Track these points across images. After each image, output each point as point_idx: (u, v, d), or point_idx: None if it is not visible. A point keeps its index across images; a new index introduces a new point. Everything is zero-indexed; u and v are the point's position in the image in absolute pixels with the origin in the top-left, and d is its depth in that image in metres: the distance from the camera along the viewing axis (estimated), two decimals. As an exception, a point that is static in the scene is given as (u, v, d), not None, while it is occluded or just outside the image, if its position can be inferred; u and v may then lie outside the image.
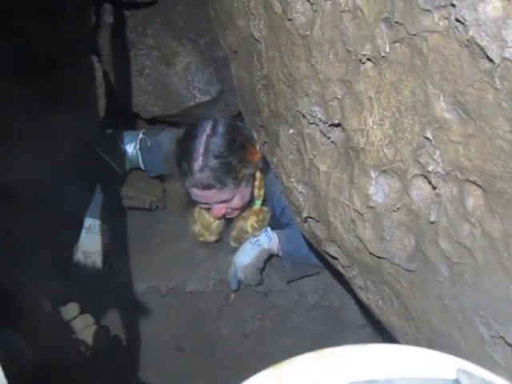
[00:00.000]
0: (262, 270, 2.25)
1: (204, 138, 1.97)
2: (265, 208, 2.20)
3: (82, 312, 1.68)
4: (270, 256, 2.24)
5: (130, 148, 2.34)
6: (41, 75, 2.14)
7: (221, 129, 2.00)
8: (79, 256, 2.19)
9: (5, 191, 1.96)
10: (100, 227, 2.21)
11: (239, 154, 1.99)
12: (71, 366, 1.49)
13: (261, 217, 2.19)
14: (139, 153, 2.34)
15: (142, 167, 2.39)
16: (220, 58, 2.56)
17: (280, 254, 2.22)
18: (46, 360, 1.41)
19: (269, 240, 2.20)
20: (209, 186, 1.97)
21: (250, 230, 2.19)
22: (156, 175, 2.47)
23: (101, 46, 2.61)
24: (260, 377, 0.56)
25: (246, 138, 2.03)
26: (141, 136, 2.31)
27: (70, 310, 1.66)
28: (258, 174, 2.10)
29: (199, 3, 2.60)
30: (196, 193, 2.04)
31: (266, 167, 2.10)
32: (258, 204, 2.18)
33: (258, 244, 2.20)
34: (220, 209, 2.08)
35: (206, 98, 2.64)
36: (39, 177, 2.04)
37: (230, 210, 2.13)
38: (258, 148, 2.04)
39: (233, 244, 2.26)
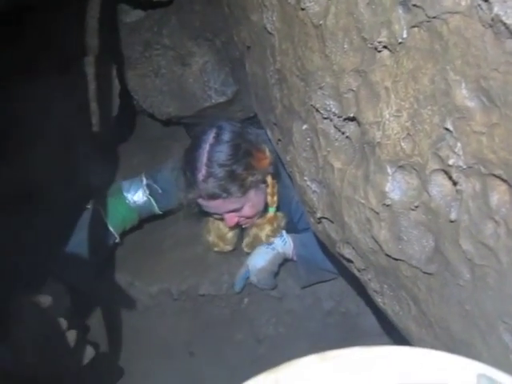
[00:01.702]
0: (276, 274, 2.20)
1: (207, 147, 1.91)
2: (279, 214, 2.14)
3: (70, 328, 1.66)
4: (285, 260, 2.19)
5: (139, 197, 2.20)
6: (55, 74, 2.13)
7: (224, 136, 1.94)
8: None
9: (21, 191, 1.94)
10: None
11: (244, 162, 1.92)
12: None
13: (275, 225, 2.13)
14: (151, 198, 2.21)
15: (158, 210, 2.26)
16: (236, 59, 2.52)
17: (294, 258, 2.16)
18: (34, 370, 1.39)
19: (283, 244, 2.15)
20: (213, 196, 1.92)
21: (263, 238, 2.14)
22: (173, 208, 2.27)
23: (117, 45, 2.59)
24: (256, 381, 0.51)
25: (252, 144, 1.97)
26: (145, 182, 2.19)
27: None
28: (269, 180, 2.04)
29: (215, 3, 2.56)
30: (202, 203, 1.99)
31: (280, 173, 2.06)
32: (271, 211, 2.12)
33: (272, 248, 2.14)
34: (232, 218, 2.03)
35: (221, 99, 2.60)
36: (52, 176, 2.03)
37: (243, 219, 2.07)
38: (267, 153, 1.99)
39: (246, 250, 2.21)
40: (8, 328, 1.54)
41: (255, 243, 2.17)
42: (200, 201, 1.98)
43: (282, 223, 2.16)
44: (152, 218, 2.35)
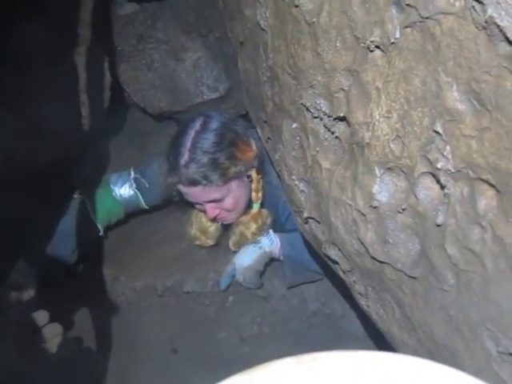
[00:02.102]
0: (262, 273, 2.18)
1: (193, 133, 1.91)
2: (264, 211, 2.12)
3: (52, 320, 1.63)
4: (271, 260, 2.17)
5: (126, 190, 2.19)
6: (46, 64, 2.11)
7: (211, 125, 1.94)
8: None
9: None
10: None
11: (228, 151, 1.91)
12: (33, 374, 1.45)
13: (260, 222, 2.11)
14: (138, 192, 2.20)
15: (144, 205, 2.25)
16: (229, 55, 2.50)
17: (281, 258, 2.15)
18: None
19: (270, 243, 2.12)
20: (194, 182, 1.90)
21: (249, 235, 2.11)
22: (159, 203, 2.31)
23: (110, 38, 2.57)
24: (228, 381, 0.50)
25: (239, 136, 1.96)
26: (133, 175, 2.18)
27: (40, 317, 1.62)
28: (254, 175, 2.02)
29: (211, -2, 2.55)
30: (182, 190, 1.97)
31: (267, 170, 2.04)
32: (255, 207, 2.10)
33: (259, 246, 2.12)
34: (212, 209, 2.01)
35: (214, 95, 2.59)
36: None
37: (224, 212, 2.05)
38: (252, 146, 1.98)
39: (233, 248, 2.19)
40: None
41: (242, 242, 2.15)
42: (180, 187, 1.96)
43: (268, 220, 2.13)
44: (139, 212, 2.33)
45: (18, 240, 1.90)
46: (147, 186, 2.19)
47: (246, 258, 2.11)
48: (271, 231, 2.15)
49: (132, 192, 2.20)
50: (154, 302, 2.21)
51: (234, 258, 2.15)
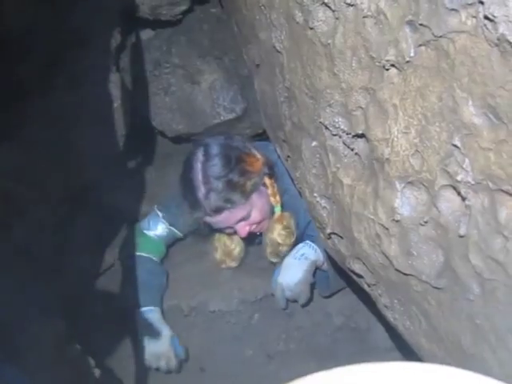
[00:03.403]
0: (313, 284, 2.15)
1: (199, 165, 1.96)
2: (285, 213, 2.13)
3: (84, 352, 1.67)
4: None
5: (161, 231, 2.27)
6: (64, 91, 2.16)
7: (212, 151, 1.99)
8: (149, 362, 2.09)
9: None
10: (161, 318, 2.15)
11: (238, 168, 1.96)
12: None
13: (285, 223, 2.12)
14: (172, 228, 2.27)
15: (181, 235, 2.32)
16: (245, 76, 2.55)
17: (325, 265, 2.10)
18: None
19: (314, 251, 2.09)
20: (219, 210, 1.95)
21: (279, 239, 2.11)
22: (193, 228, 2.32)
23: (126, 64, 2.63)
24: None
25: (241, 151, 2.02)
26: (161, 215, 2.25)
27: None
28: (267, 181, 2.06)
29: (224, 22, 2.60)
30: (211, 221, 2.02)
31: (279, 175, 2.08)
32: (277, 210, 2.12)
33: (304, 257, 2.08)
34: (243, 228, 2.05)
35: (230, 116, 2.63)
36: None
37: (254, 226, 2.08)
38: (257, 155, 2.03)
39: (273, 260, 2.19)
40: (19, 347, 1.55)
41: (276, 249, 2.15)
42: (207, 219, 2.01)
43: (291, 221, 2.13)
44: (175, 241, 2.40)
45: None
46: (177, 219, 2.24)
47: (294, 274, 2.06)
48: (308, 241, 2.13)
49: (167, 230, 2.27)
50: (180, 321, 2.23)
51: (279, 278, 2.09)
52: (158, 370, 2.09)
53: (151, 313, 2.12)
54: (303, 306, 2.17)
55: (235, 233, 2.11)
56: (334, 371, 0.55)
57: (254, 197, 2.01)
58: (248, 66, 1.89)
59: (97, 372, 1.65)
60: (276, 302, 2.14)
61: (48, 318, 1.70)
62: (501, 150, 0.79)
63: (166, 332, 2.10)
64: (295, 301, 2.14)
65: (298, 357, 2.19)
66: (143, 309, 2.12)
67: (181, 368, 2.15)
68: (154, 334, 2.08)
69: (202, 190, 1.93)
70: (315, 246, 2.10)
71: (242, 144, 2.06)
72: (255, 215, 2.04)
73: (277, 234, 2.11)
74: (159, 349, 2.07)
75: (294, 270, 2.07)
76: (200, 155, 1.99)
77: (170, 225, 2.26)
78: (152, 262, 2.24)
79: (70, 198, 2.12)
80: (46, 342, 1.60)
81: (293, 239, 2.13)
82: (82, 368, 1.65)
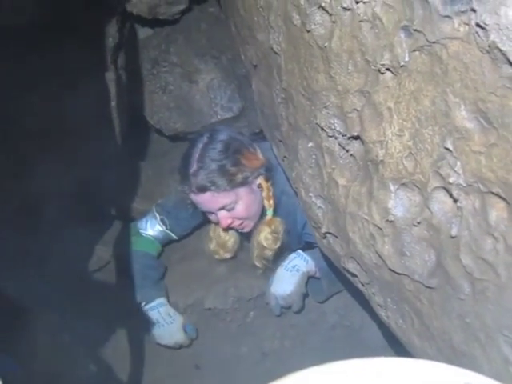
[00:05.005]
0: (306, 295, 2.21)
1: (201, 145, 2.02)
2: (277, 219, 2.15)
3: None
4: (308, 279, 2.19)
5: (157, 232, 2.32)
6: (63, 90, 2.18)
7: (218, 136, 2.04)
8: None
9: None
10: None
11: (234, 158, 2.00)
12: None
13: (273, 227, 2.13)
14: (168, 231, 2.32)
15: (176, 237, 2.37)
16: (242, 75, 2.57)
17: (317, 273, 2.17)
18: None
19: (306, 263, 2.15)
20: (203, 189, 1.98)
21: (265, 242, 2.13)
22: (187, 233, 2.43)
23: (124, 62, 2.64)
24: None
25: (244, 145, 2.06)
26: (159, 217, 2.30)
27: None
28: (264, 184, 2.08)
29: (222, 22, 2.61)
30: (194, 199, 2.05)
31: (277, 179, 2.09)
32: (269, 214, 2.14)
33: (296, 269, 2.15)
34: (225, 218, 2.07)
35: (228, 115, 2.65)
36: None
37: (238, 222, 2.10)
38: (258, 155, 2.07)
39: (258, 264, 2.20)
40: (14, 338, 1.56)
41: (261, 253, 2.17)
42: (192, 196, 2.05)
43: (281, 228, 2.15)
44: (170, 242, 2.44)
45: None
46: (174, 222, 2.31)
47: (286, 286, 2.13)
48: (300, 251, 2.18)
49: (163, 232, 2.32)
50: (176, 319, 2.25)
51: (271, 288, 2.16)
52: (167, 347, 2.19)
53: (160, 306, 2.18)
54: (296, 313, 2.22)
55: (218, 223, 2.13)
56: (324, 366, 0.56)
57: (243, 191, 2.04)
58: (245, 67, 1.90)
59: (87, 361, 1.66)
60: (271, 310, 2.20)
61: (40, 308, 1.72)
62: (491, 153, 0.81)
63: (176, 316, 2.19)
64: (289, 307, 2.20)
65: (293, 355, 2.21)
66: (151, 304, 2.18)
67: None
68: (166, 321, 2.16)
69: (193, 166, 1.99)
70: (307, 257, 2.16)
71: (248, 141, 2.10)
72: (240, 209, 2.06)
73: (263, 236, 2.13)
74: (172, 329, 2.16)
75: (286, 281, 2.14)
76: (205, 137, 2.05)
77: (167, 228, 2.31)
78: (149, 256, 2.29)
79: (68, 195, 2.14)
80: (38, 331, 1.62)
81: (278, 245, 2.15)
82: (73, 357, 1.66)
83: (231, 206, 2.04)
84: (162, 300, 2.20)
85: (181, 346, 2.20)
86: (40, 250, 1.99)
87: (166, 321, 2.15)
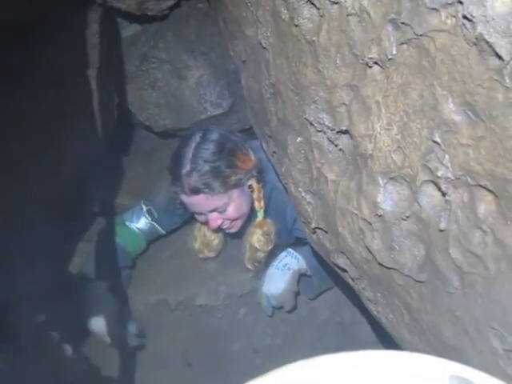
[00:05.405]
0: (297, 293, 2.20)
1: (194, 145, 1.98)
2: (268, 220, 2.15)
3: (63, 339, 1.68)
4: (300, 277, 2.19)
5: (143, 224, 2.28)
6: (52, 88, 2.16)
7: (211, 136, 2.00)
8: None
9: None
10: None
11: (228, 160, 1.97)
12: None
13: (265, 229, 2.13)
14: (154, 223, 2.29)
15: (163, 232, 2.35)
16: (232, 72, 2.56)
17: (308, 271, 2.17)
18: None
19: (297, 261, 2.15)
20: (196, 191, 1.95)
21: (257, 244, 2.13)
22: (176, 226, 2.40)
23: (113, 59, 2.62)
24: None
25: (237, 146, 2.03)
26: (145, 209, 2.27)
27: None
28: (255, 185, 2.07)
29: (211, 17, 2.60)
30: (185, 200, 2.02)
31: (268, 179, 2.09)
32: (260, 215, 2.14)
33: (287, 268, 2.14)
34: (215, 219, 2.05)
35: (217, 111, 2.65)
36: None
37: (227, 222, 2.09)
38: (251, 156, 2.04)
39: (249, 267, 2.20)
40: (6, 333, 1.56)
41: (254, 255, 2.17)
42: (183, 197, 2.01)
43: (272, 229, 2.15)
44: (159, 238, 2.41)
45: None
46: (161, 215, 2.27)
47: (277, 285, 2.12)
48: (290, 249, 2.17)
49: (149, 224, 2.28)
50: (167, 316, 2.25)
51: (263, 288, 2.15)
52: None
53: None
54: (289, 312, 2.21)
55: (206, 223, 2.12)
56: (312, 360, 0.56)
57: (235, 193, 2.02)
58: (234, 62, 1.89)
59: (75, 360, 1.66)
60: (263, 310, 2.19)
61: (27, 307, 1.71)
62: (479, 146, 0.81)
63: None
64: (281, 307, 2.19)
65: (284, 351, 2.21)
66: (99, 282, 2.11)
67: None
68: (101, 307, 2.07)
69: (186, 167, 1.94)
70: (298, 255, 2.15)
71: (241, 141, 2.07)
72: (231, 211, 2.04)
73: (256, 238, 2.13)
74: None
75: (277, 280, 2.12)
76: (198, 136, 2.00)
77: (153, 220, 2.28)
78: (124, 252, 2.25)
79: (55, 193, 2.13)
80: (24, 330, 1.61)
81: (270, 247, 2.15)
82: (60, 356, 1.65)
83: (223, 208, 2.03)
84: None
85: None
86: (24, 248, 1.97)
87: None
